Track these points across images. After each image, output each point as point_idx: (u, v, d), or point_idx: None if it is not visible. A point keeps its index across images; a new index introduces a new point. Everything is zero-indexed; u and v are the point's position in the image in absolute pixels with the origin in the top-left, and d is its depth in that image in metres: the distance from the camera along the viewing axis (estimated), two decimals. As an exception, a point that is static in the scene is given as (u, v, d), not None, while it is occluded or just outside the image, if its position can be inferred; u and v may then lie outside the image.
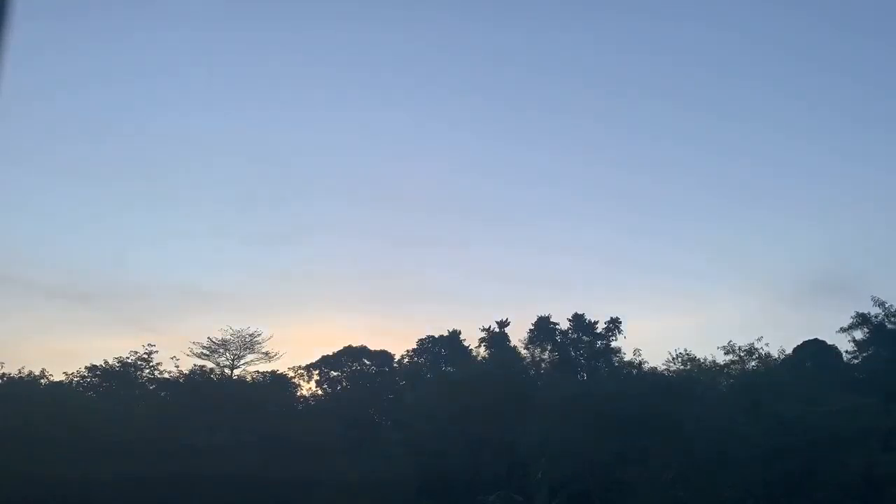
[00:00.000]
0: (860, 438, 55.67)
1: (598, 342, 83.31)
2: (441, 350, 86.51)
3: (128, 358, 72.50)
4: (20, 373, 67.55)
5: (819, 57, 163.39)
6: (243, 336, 75.81)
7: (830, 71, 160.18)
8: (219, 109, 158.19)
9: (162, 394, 73.50)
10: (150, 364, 73.28)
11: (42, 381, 68.89)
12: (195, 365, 74.64)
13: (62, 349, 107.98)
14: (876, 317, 76.83)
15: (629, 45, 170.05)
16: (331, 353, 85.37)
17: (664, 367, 75.86)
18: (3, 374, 67.03)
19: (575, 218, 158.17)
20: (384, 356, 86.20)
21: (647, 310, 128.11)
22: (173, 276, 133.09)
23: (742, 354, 76.01)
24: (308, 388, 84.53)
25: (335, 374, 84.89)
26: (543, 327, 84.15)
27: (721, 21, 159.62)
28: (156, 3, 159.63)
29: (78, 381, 71.91)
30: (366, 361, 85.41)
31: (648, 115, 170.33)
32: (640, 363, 76.49)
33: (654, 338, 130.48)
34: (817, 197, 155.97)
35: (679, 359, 77.58)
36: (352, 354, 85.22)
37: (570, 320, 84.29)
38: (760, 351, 76.06)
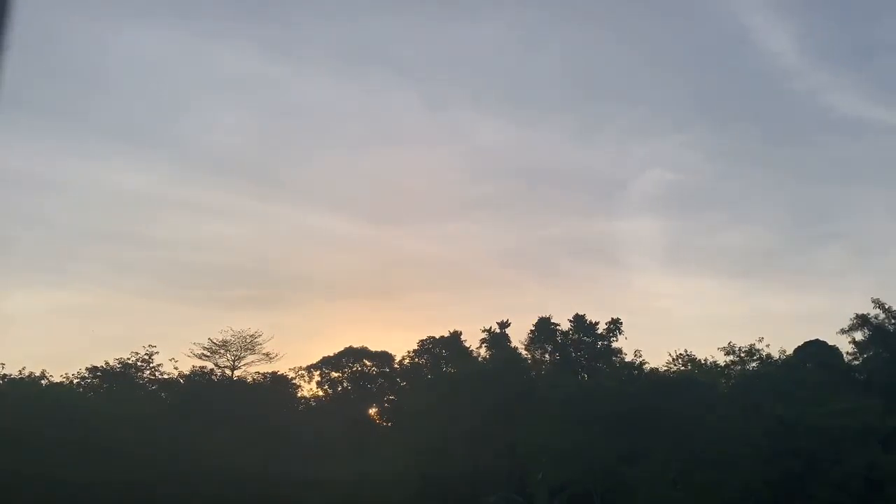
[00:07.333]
0: (860, 439, 55.72)
1: (599, 343, 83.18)
2: (442, 351, 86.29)
3: (128, 359, 72.55)
4: (20, 373, 67.54)
5: None
6: (244, 337, 75.87)
7: None
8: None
9: (162, 395, 73.45)
10: (151, 365, 73.31)
11: (42, 381, 68.82)
12: (195, 366, 74.80)
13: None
14: (876, 318, 76.81)
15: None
16: (331, 354, 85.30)
17: (665, 367, 76.06)
18: (4, 374, 67.04)
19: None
20: (385, 357, 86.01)
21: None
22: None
23: (742, 355, 76.18)
24: (309, 388, 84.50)
25: (336, 374, 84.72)
26: (544, 328, 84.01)
27: None
28: None
29: (78, 382, 71.85)
30: (366, 362, 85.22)
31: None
32: (641, 363, 76.47)
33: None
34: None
35: (679, 359, 77.87)
36: (352, 355, 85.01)
37: (570, 321, 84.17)
38: (761, 352, 76.28)
